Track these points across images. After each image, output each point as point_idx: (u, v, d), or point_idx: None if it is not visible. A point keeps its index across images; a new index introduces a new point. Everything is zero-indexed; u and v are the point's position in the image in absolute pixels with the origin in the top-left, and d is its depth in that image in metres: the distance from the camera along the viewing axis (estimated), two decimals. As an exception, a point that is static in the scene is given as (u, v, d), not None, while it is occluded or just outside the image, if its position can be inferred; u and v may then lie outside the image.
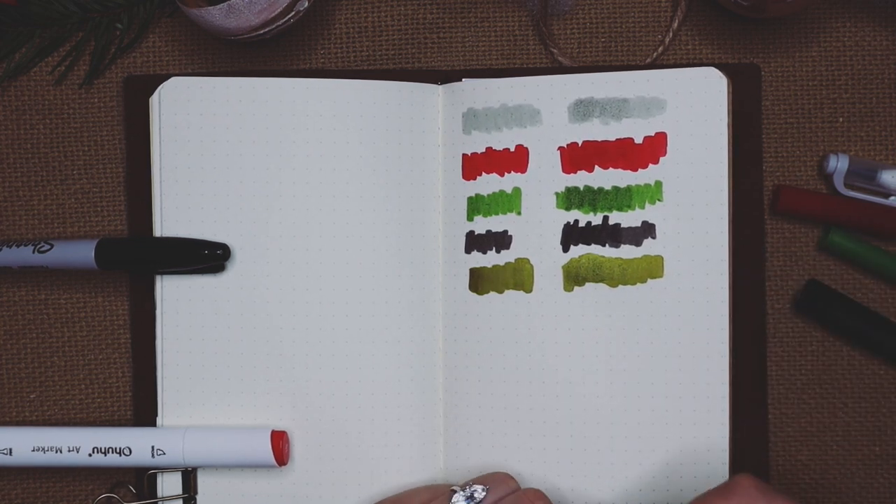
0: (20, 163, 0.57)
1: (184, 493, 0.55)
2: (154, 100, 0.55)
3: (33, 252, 0.54)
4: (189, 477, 0.55)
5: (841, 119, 0.56)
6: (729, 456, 0.53)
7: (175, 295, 0.55)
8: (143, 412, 0.56)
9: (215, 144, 0.55)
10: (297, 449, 0.54)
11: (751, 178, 0.55)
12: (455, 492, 0.49)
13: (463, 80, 0.55)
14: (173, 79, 0.55)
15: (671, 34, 0.56)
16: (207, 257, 0.54)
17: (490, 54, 0.57)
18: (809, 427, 0.56)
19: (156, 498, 0.55)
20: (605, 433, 0.53)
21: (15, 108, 0.57)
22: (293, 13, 0.53)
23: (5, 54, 0.56)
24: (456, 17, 0.57)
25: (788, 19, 0.56)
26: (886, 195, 0.55)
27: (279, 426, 0.54)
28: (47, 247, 0.54)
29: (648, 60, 0.56)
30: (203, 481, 0.55)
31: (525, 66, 0.57)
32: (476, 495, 0.49)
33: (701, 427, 0.53)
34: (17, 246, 0.54)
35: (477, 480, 0.51)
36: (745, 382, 0.54)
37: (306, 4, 0.53)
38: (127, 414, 0.57)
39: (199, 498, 0.55)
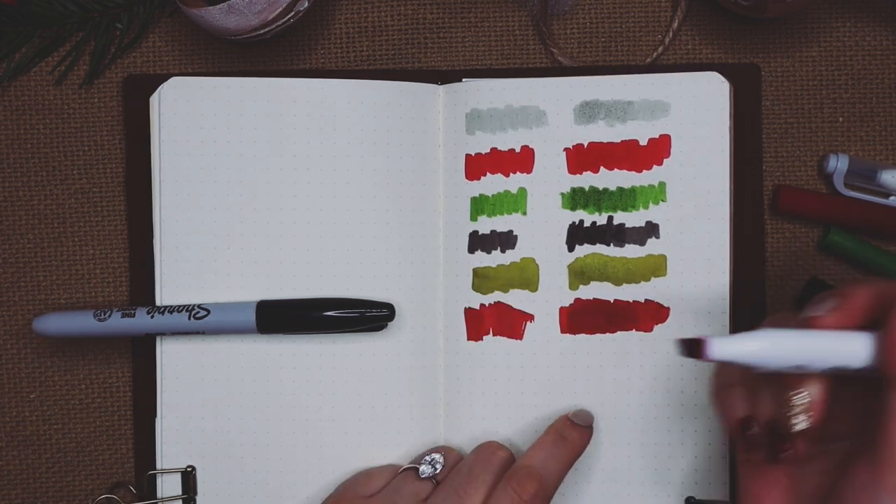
0: (20, 163, 0.57)
1: (183, 493, 0.55)
2: (154, 100, 0.55)
3: (189, 319, 0.53)
4: (188, 477, 0.55)
5: (841, 119, 0.56)
6: (729, 453, 0.53)
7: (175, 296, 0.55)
8: (143, 410, 0.56)
9: (215, 144, 0.55)
10: (297, 448, 0.54)
11: (751, 178, 0.55)
12: (415, 467, 0.51)
13: (463, 80, 0.55)
14: (173, 79, 0.55)
15: (671, 34, 0.56)
16: (372, 318, 0.53)
17: (490, 54, 0.57)
18: (810, 426, 0.56)
19: (155, 498, 0.55)
20: (607, 426, 0.54)
21: (15, 108, 0.57)
22: (293, 13, 0.53)
23: (5, 54, 0.56)
24: (456, 17, 0.57)
25: (788, 19, 0.56)
26: (886, 195, 0.55)
27: (280, 426, 0.54)
28: (203, 313, 0.53)
29: (648, 60, 0.56)
30: (203, 481, 0.55)
31: (525, 66, 0.57)
32: (437, 462, 0.51)
33: (701, 425, 0.53)
34: (171, 312, 0.53)
35: (430, 451, 0.53)
36: (746, 382, 0.54)
37: (306, 4, 0.53)
38: (128, 413, 0.57)
39: (198, 498, 0.55)
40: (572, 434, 0.51)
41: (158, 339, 0.55)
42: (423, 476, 0.51)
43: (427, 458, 0.51)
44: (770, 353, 0.40)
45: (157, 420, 0.55)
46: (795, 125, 0.56)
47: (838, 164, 0.55)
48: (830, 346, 0.40)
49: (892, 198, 0.55)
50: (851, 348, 0.40)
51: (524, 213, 0.54)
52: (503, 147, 0.55)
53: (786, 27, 0.57)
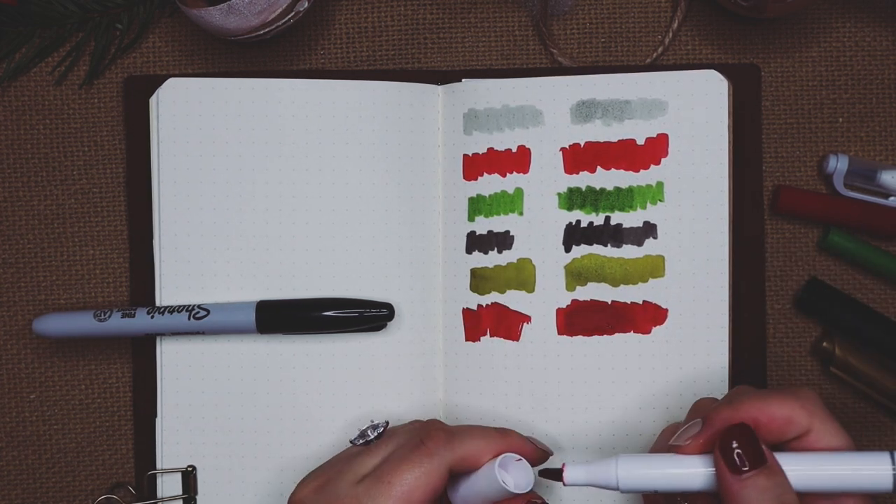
0: (20, 163, 0.57)
1: (183, 493, 0.55)
2: (153, 101, 0.55)
3: (189, 319, 0.53)
4: (188, 477, 0.55)
5: (841, 119, 0.56)
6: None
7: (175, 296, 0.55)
8: (143, 410, 0.56)
9: (215, 145, 0.55)
10: (297, 448, 0.54)
11: (751, 178, 0.55)
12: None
13: (463, 80, 0.55)
14: (171, 80, 0.55)
15: (671, 34, 0.56)
16: (371, 318, 0.53)
17: (490, 54, 0.57)
18: (809, 427, 0.56)
19: (156, 498, 0.55)
20: (606, 430, 0.54)
21: (15, 108, 0.57)
22: (293, 13, 0.53)
23: (5, 54, 0.56)
24: (456, 17, 0.57)
25: (788, 19, 0.56)
26: (886, 195, 0.55)
27: (282, 429, 0.54)
28: (203, 313, 0.53)
29: (648, 60, 0.56)
30: (203, 481, 0.55)
31: (525, 66, 0.57)
32: (369, 433, 0.47)
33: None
34: (171, 313, 0.53)
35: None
36: (745, 382, 0.54)
37: (306, 5, 0.53)
38: (128, 413, 0.57)
39: (198, 498, 0.55)
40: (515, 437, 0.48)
41: (158, 340, 0.55)
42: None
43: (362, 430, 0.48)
44: (625, 481, 0.42)
45: (157, 420, 0.55)
46: (795, 125, 0.56)
47: (838, 164, 0.55)
48: (681, 473, 0.42)
49: (891, 198, 0.55)
50: (698, 474, 0.42)
51: (521, 214, 0.54)
52: (500, 147, 0.54)
53: (786, 27, 0.57)
